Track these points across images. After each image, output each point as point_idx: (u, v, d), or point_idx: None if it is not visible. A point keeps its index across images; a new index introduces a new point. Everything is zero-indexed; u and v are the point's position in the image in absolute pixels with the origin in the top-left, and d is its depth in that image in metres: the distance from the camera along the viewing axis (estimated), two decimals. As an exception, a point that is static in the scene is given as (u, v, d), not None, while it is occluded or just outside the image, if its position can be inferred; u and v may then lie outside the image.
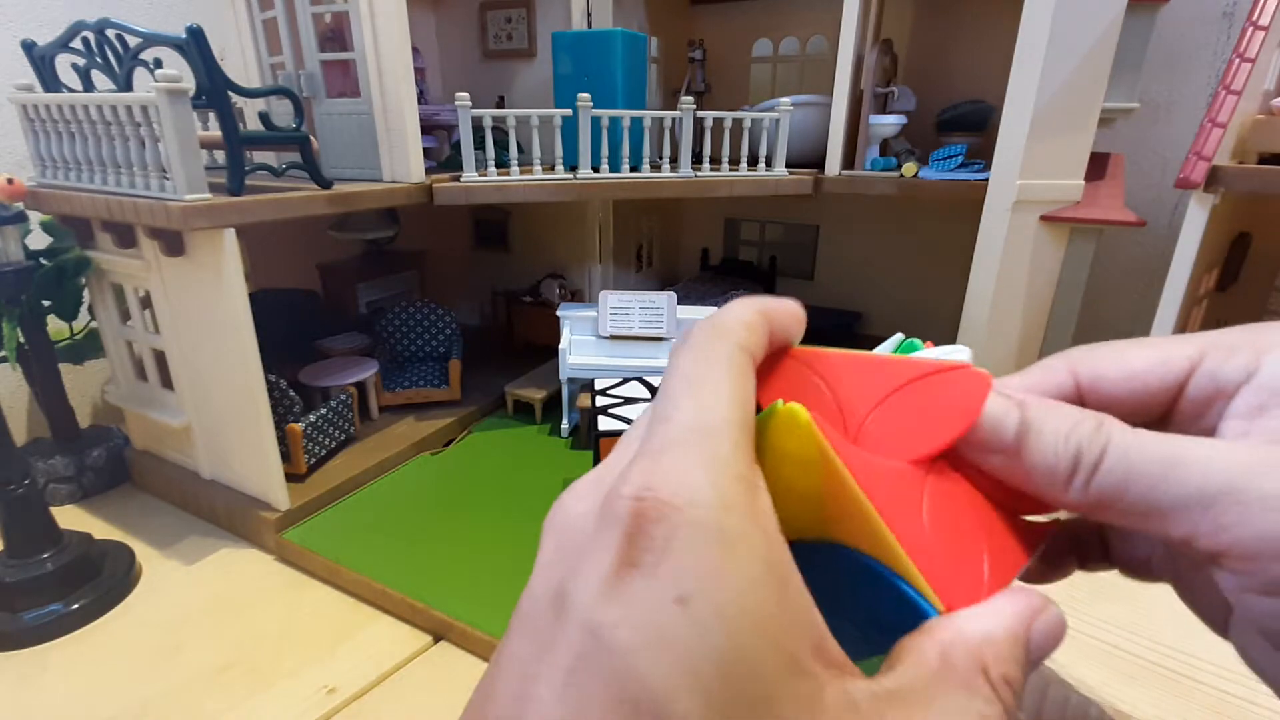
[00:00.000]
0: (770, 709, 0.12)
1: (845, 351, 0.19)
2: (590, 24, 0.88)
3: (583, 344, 0.76)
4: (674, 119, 0.72)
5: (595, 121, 0.70)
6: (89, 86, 0.58)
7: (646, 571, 0.12)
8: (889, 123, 0.77)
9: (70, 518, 0.64)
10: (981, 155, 0.73)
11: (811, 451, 0.16)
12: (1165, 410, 0.18)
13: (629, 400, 0.65)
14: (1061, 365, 0.19)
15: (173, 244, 0.54)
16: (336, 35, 0.66)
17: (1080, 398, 0.18)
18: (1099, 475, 0.15)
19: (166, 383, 0.64)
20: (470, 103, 0.65)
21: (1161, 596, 0.20)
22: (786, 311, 0.18)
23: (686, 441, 0.14)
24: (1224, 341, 0.17)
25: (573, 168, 0.72)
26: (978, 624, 0.15)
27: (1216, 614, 0.17)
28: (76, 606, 0.51)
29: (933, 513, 0.16)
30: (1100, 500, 0.15)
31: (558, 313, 0.78)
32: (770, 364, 0.18)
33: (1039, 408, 0.16)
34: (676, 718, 0.11)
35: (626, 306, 0.75)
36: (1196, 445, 0.15)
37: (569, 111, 0.69)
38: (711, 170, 0.78)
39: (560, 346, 0.75)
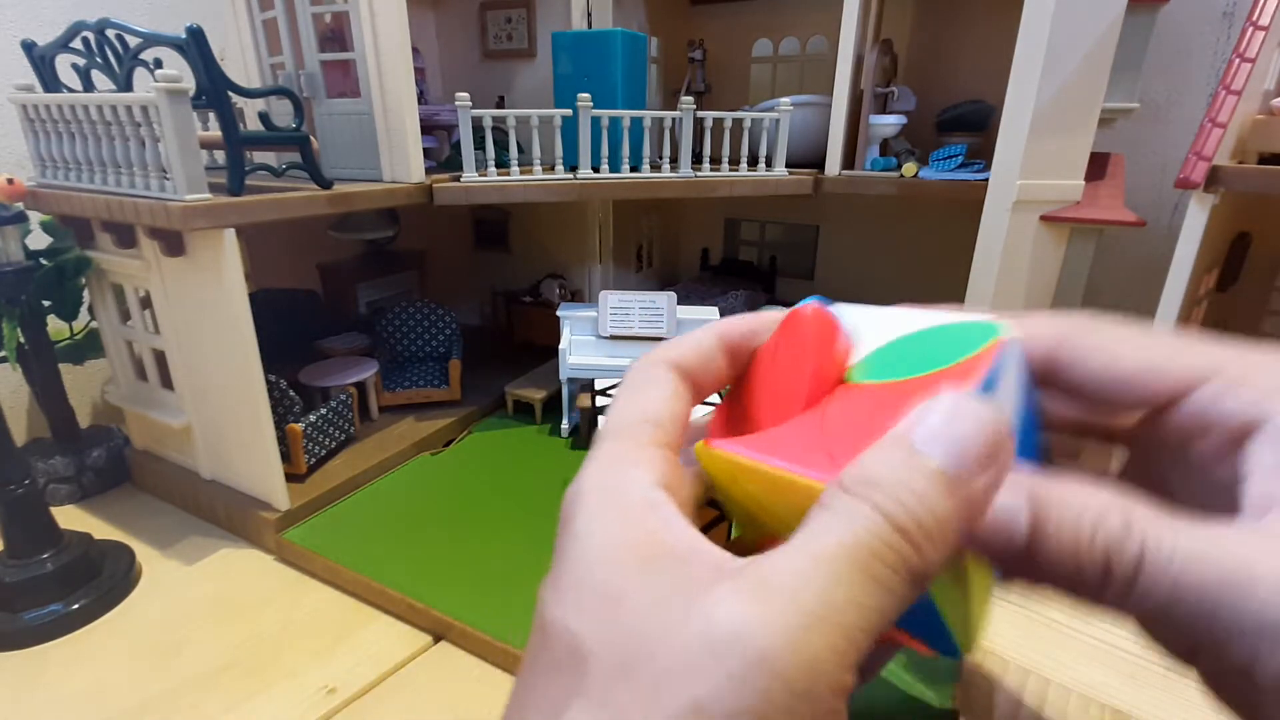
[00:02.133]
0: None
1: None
2: (590, 24, 0.88)
3: (583, 344, 0.76)
4: (674, 119, 0.72)
5: (595, 121, 0.70)
6: (89, 86, 0.58)
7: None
8: (889, 123, 0.77)
9: (70, 518, 0.64)
10: (981, 155, 0.73)
11: (727, 469, 0.17)
12: (1142, 414, 0.17)
13: (629, 400, 0.65)
14: (1050, 335, 0.18)
15: (173, 244, 0.54)
16: (336, 35, 0.66)
17: (1052, 373, 0.18)
18: (1138, 588, 0.13)
19: (166, 383, 0.64)
20: (470, 103, 0.65)
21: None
22: (742, 324, 0.20)
23: (598, 442, 0.17)
24: (1228, 368, 0.15)
25: (573, 168, 0.72)
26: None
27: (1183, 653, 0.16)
28: (76, 606, 0.51)
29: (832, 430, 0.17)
30: (1139, 613, 0.14)
31: (558, 313, 0.78)
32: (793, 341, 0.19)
33: (1051, 501, 0.14)
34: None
35: (626, 306, 0.75)
36: (1257, 558, 0.13)
37: (569, 111, 0.69)
38: (711, 170, 0.78)
39: (560, 346, 0.75)
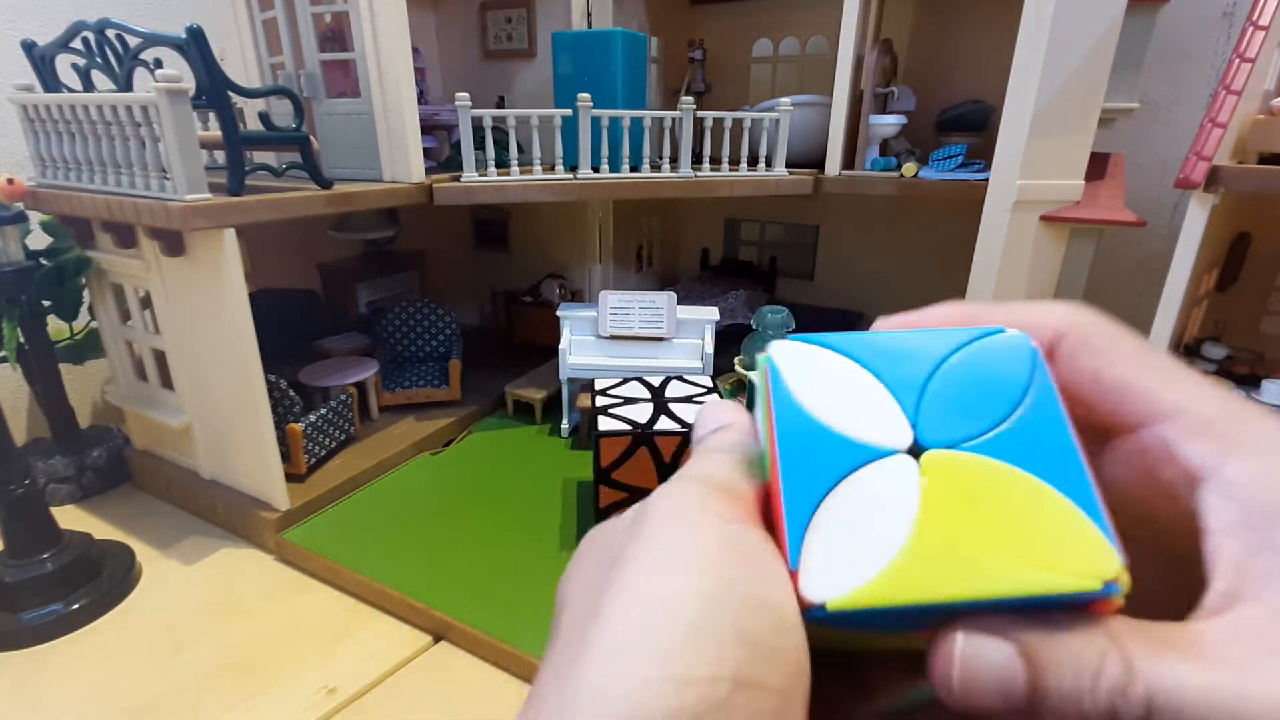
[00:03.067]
0: None
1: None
2: (590, 24, 0.88)
3: (583, 344, 0.76)
4: (674, 119, 0.72)
5: (595, 121, 0.70)
6: (89, 86, 0.58)
7: None
8: (889, 123, 0.77)
9: (70, 518, 0.64)
10: (981, 155, 0.73)
11: None
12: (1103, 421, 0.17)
13: (629, 400, 0.65)
14: (1048, 327, 0.18)
15: (173, 244, 0.54)
16: (336, 35, 0.66)
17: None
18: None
19: (166, 383, 0.64)
20: (470, 103, 0.65)
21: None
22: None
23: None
24: (1197, 409, 0.16)
25: (573, 168, 0.72)
26: None
27: None
28: (76, 606, 0.51)
29: None
30: None
31: (558, 313, 0.78)
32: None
33: (1047, 654, 0.14)
34: None
35: (626, 306, 0.75)
36: (1263, 694, 0.13)
37: (569, 111, 0.69)
38: (711, 170, 0.78)
39: (560, 346, 0.75)
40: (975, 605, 0.14)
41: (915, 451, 0.16)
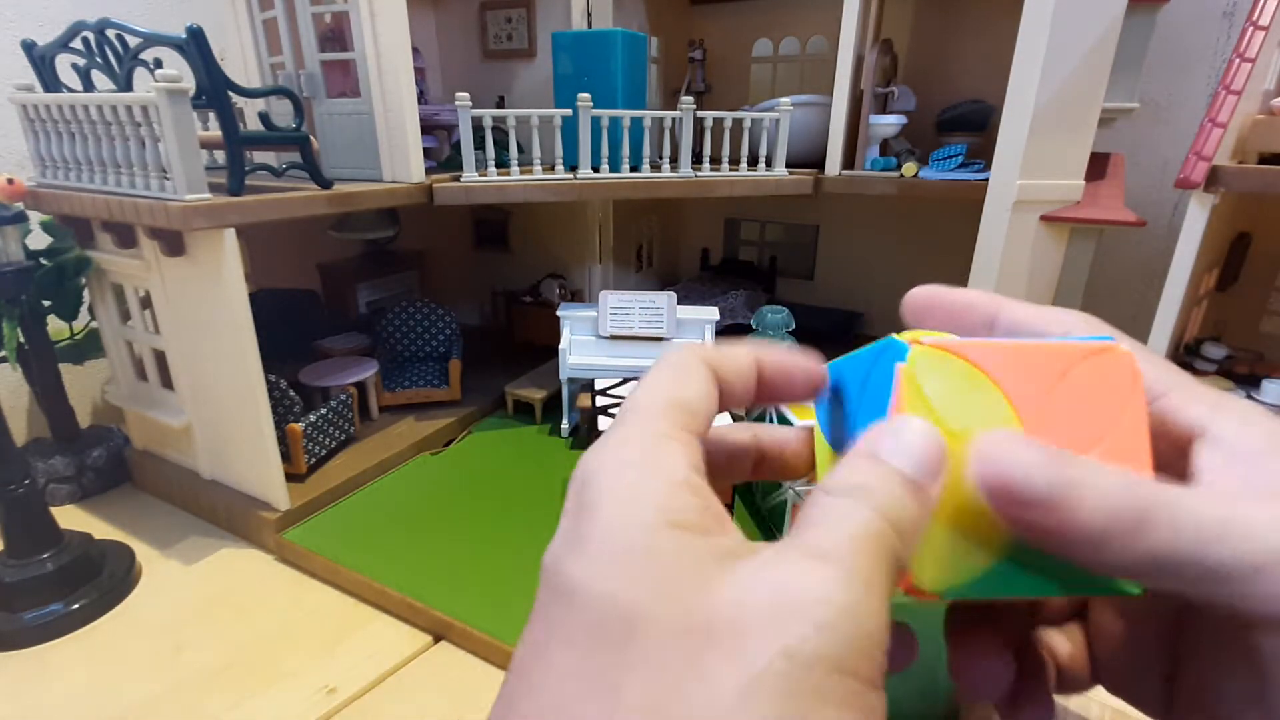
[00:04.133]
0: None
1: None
2: (590, 24, 0.88)
3: (583, 344, 0.76)
4: (674, 119, 0.72)
5: (595, 121, 0.70)
6: (89, 86, 0.58)
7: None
8: (889, 123, 0.77)
9: (70, 518, 0.64)
10: (981, 155, 0.73)
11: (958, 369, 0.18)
12: None
13: (629, 400, 0.65)
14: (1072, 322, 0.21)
15: (173, 244, 0.54)
16: (336, 35, 0.66)
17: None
18: (1144, 538, 0.15)
19: (166, 383, 0.64)
20: (470, 103, 0.65)
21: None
22: (780, 355, 0.21)
23: (626, 417, 0.18)
24: (1188, 386, 0.19)
25: (573, 168, 0.72)
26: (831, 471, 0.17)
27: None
28: (76, 606, 0.51)
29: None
30: (1145, 561, 0.15)
31: (558, 313, 0.78)
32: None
33: (1078, 466, 0.16)
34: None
35: (626, 306, 0.75)
36: (1245, 509, 0.15)
37: (569, 111, 0.69)
38: (711, 170, 0.78)
39: (560, 346, 0.75)
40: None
41: None
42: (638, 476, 0.16)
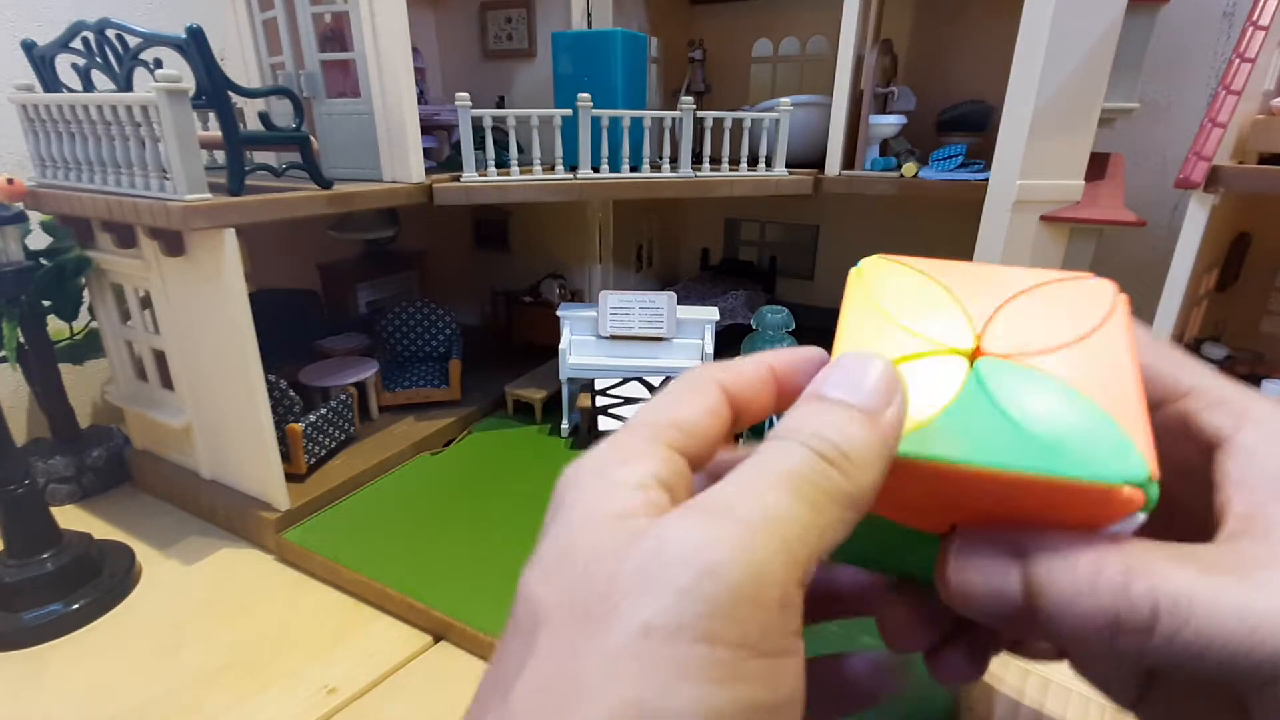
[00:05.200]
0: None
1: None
2: (590, 24, 0.88)
3: (583, 344, 0.76)
4: (674, 119, 0.72)
5: (595, 121, 0.70)
6: (89, 86, 0.58)
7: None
8: (889, 123, 0.77)
9: (70, 518, 0.64)
10: (981, 155, 0.73)
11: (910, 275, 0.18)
12: None
13: (629, 400, 0.65)
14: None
15: (173, 244, 0.54)
16: (336, 35, 0.66)
17: None
18: (1159, 638, 0.14)
19: (166, 383, 0.64)
20: (470, 103, 0.65)
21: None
22: (791, 357, 0.19)
23: (614, 433, 0.18)
24: (1210, 388, 0.17)
25: (573, 168, 0.72)
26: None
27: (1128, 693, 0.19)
28: (76, 606, 0.51)
29: None
30: (1159, 658, 0.14)
31: (558, 313, 0.78)
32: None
33: (1040, 556, 0.15)
34: None
35: (626, 306, 0.75)
36: (1268, 603, 0.14)
37: (569, 111, 0.69)
38: (711, 170, 0.78)
39: (560, 346, 0.75)
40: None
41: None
42: (589, 489, 0.16)
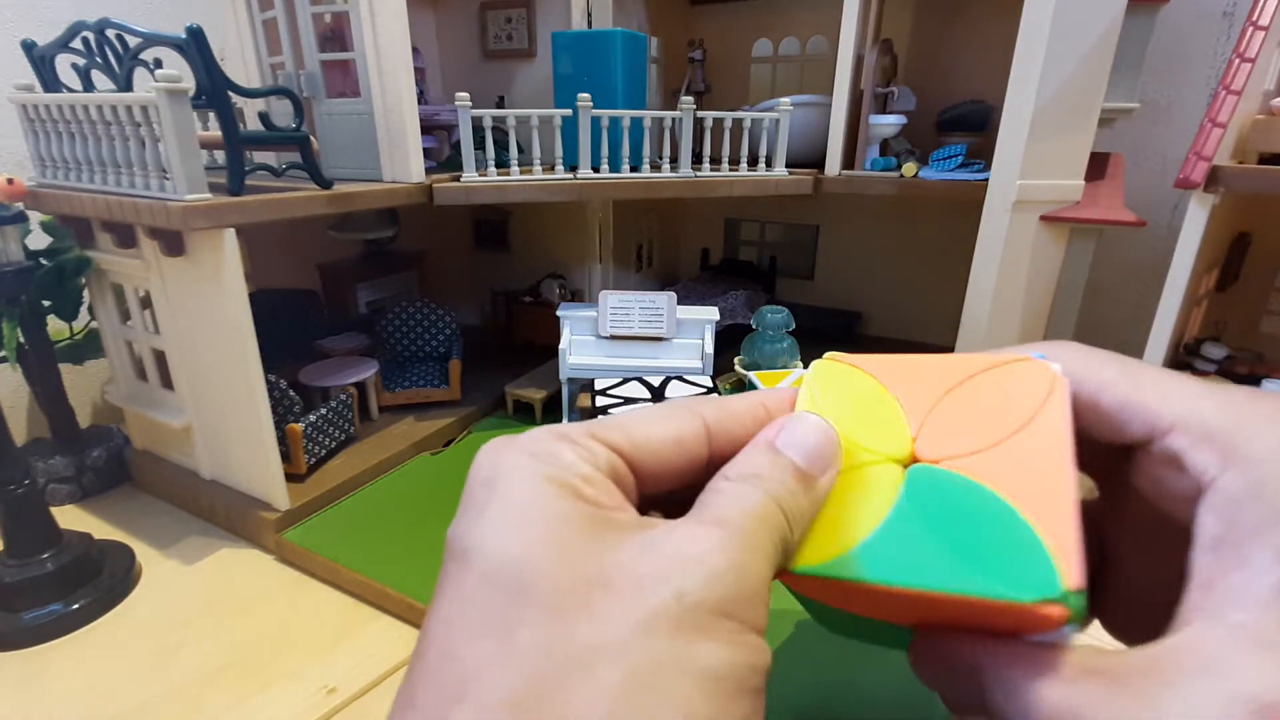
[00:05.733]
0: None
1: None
2: (590, 24, 0.88)
3: (583, 344, 0.76)
4: (674, 119, 0.72)
5: (595, 121, 0.70)
6: (89, 86, 0.58)
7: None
8: (889, 123, 0.77)
9: (70, 518, 0.64)
10: (981, 155, 0.73)
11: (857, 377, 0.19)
12: (1112, 447, 0.18)
13: (629, 400, 0.65)
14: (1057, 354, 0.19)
15: (173, 244, 0.54)
16: (336, 35, 0.66)
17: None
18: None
19: (166, 383, 0.64)
20: (470, 103, 0.65)
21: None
22: (779, 396, 0.20)
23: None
24: (1198, 419, 0.16)
25: (573, 168, 0.72)
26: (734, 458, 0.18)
27: None
28: (76, 606, 0.51)
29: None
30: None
31: (558, 313, 0.78)
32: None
33: (991, 684, 0.16)
34: None
35: (626, 306, 0.75)
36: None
37: (569, 111, 0.69)
38: (711, 170, 0.78)
39: (560, 346, 0.75)
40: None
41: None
42: (535, 463, 0.17)
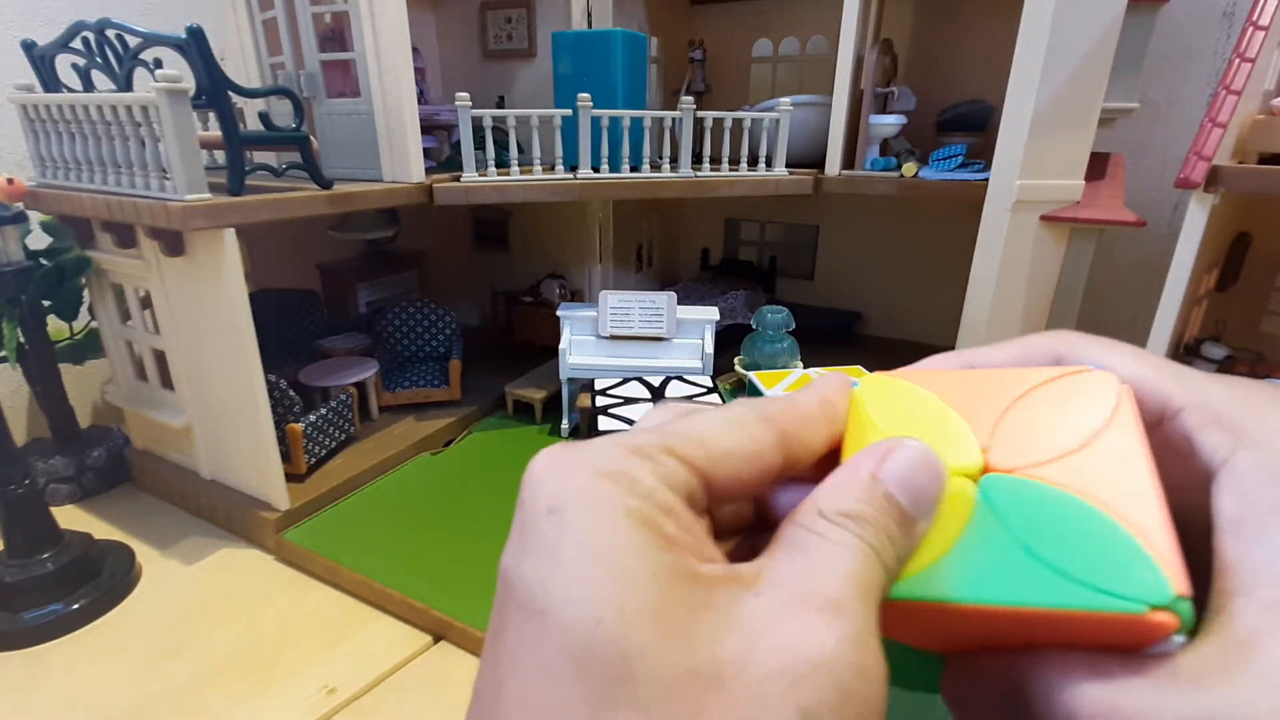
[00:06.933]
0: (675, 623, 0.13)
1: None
2: (590, 24, 0.88)
3: (583, 344, 0.76)
4: (674, 119, 0.72)
5: (595, 121, 0.70)
6: (89, 86, 0.58)
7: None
8: (889, 123, 0.77)
9: (70, 518, 0.64)
10: (981, 155, 0.73)
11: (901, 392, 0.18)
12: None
13: (629, 400, 0.65)
14: (1047, 349, 0.18)
15: (173, 244, 0.54)
16: (336, 35, 0.66)
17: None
18: None
19: (166, 383, 0.64)
20: (470, 103, 0.65)
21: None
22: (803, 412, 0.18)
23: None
24: (1206, 400, 0.16)
25: (573, 168, 0.72)
26: (824, 484, 0.16)
27: None
28: (76, 606, 0.51)
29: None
30: None
31: (558, 313, 0.78)
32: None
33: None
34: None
35: (626, 306, 0.75)
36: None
37: (569, 111, 0.69)
38: (711, 170, 0.78)
39: (560, 346, 0.75)
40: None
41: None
42: (611, 489, 0.14)
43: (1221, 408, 0.15)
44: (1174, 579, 0.14)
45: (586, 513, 0.14)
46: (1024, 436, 0.17)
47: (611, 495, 0.14)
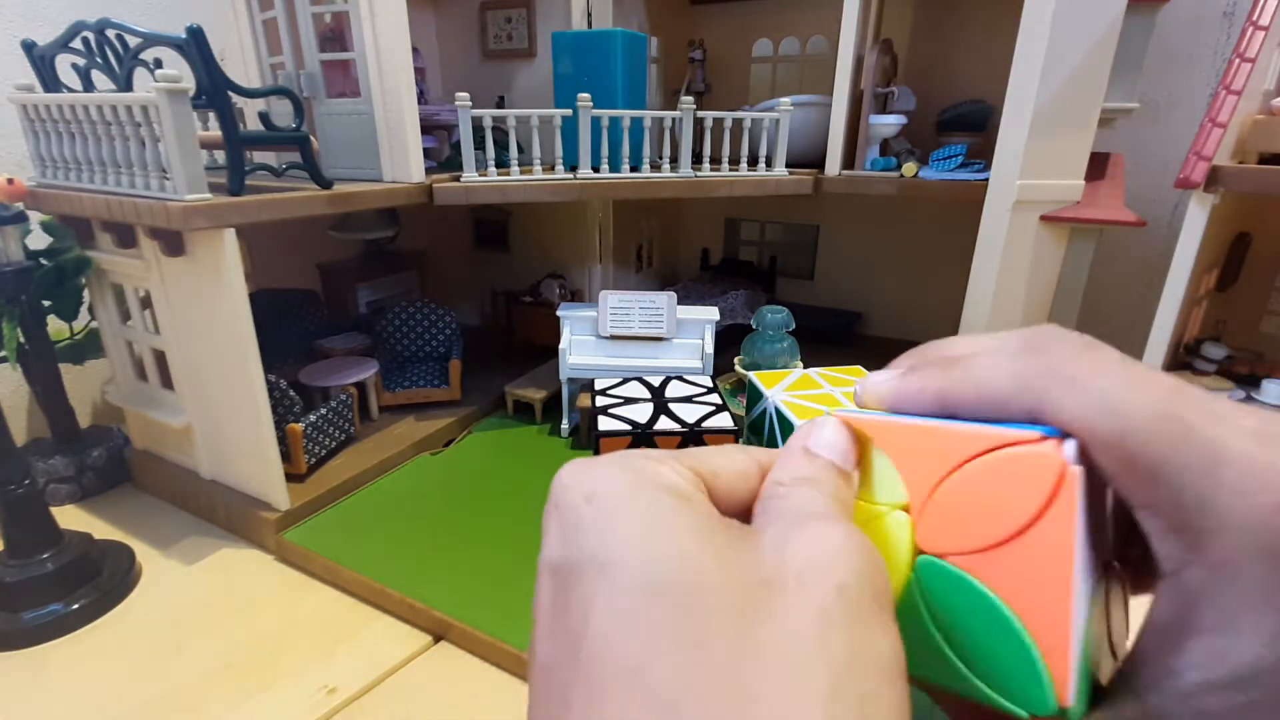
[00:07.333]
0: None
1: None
2: (590, 24, 0.88)
3: (583, 344, 0.76)
4: (674, 119, 0.72)
5: (595, 121, 0.70)
6: (89, 86, 0.58)
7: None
8: (889, 123, 0.77)
9: (70, 518, 0.64)
10: (981, 155, 0.73)
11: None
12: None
13: (629, 400, 0.65)
14: (1031, 377, 0.18)
15: (173, 244, 0.54)
16: (336, 35, 0.66)
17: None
18: None
19: (166, 383, 0.64)
20: (470, 103, 0.65)
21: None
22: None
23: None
24: (1179, 503, 0.15)
25: (573, 168, 0.72)
26: (774, 467, 0.19)
27: None
28: (76, 606, 0.52)
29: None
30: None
31: (558, 313, 0.78)
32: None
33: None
34: None
35: (626, 306, 0.75)
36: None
37: (569, 111, 0.69)
38: (711, 170, 0.78)
39: (560, 346, 0.75)
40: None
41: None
42: (640, 478, 0.17)
43: (1187, 516, 0.15)
44: (1061, 692, 0.15)
45: (622, 491, 0.16)
46: (961, 515, 0.17)
47: (640, 479, 0.17)
